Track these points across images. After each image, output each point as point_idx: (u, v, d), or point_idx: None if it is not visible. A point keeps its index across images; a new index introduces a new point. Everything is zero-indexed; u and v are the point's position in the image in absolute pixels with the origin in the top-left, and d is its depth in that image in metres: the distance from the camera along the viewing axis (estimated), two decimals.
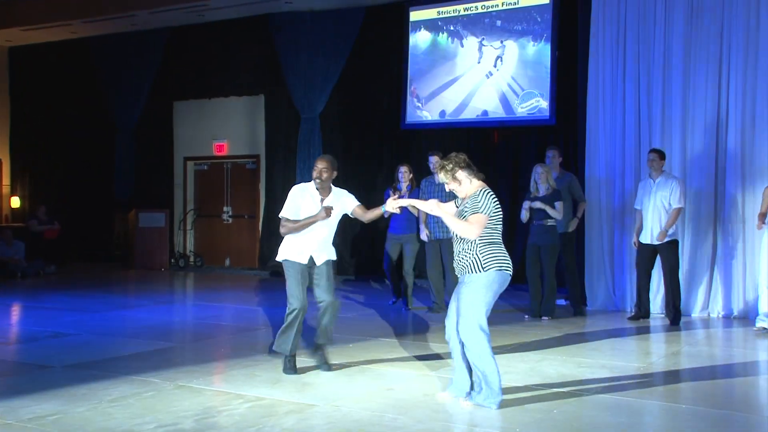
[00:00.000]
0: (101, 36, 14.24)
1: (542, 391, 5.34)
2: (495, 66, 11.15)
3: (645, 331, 7.90)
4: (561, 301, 8.97)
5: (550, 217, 8.35)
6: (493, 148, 11.51)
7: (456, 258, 5.07)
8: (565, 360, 6.35)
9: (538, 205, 8.29)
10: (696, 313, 8.69)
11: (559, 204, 8.31)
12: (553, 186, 8.36)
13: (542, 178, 8.37)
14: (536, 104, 10.79)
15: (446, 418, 4.69)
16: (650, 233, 8.15)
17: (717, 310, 8.65)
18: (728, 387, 5.82)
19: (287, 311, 5.80)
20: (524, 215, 8.44)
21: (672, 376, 5.98)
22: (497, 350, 6.69)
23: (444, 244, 8.66)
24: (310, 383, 5.54)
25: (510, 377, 5.70)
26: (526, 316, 8.53)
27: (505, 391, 5.29)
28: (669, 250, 8.13)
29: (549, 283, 8.42)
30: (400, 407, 4.92)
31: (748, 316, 8.34)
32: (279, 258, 5.92)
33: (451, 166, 5.08)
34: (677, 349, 7.04)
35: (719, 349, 7.09)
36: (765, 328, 7.60)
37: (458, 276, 5.08)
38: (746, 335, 7.62)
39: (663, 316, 8.53)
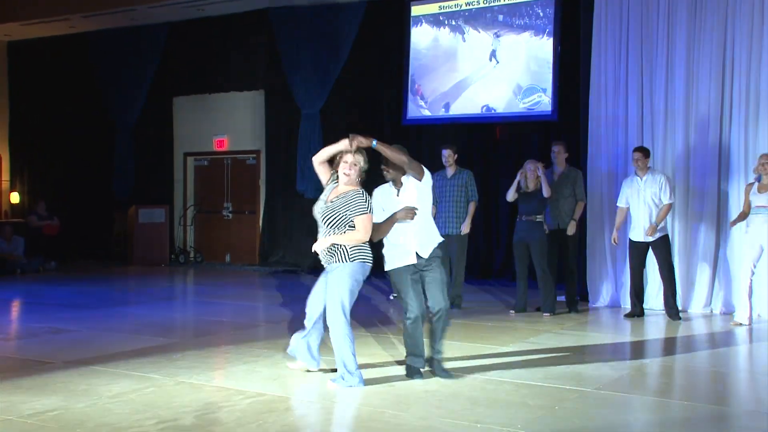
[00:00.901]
0: (100, 31, 14.21)
1: (545, 387, 5.32)
2: (497, 61, 11.11)
3: (646, 327, 7.87)
4: (561, 297, 8.93)
5: (539, 213, 8.35)
6: (495, 143, 11.49)
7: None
8: (566, 356, 6.33)
9: (541, 175, 8.29)
10: (698, 310, 8.67)
11: (546, 189, 8.33)
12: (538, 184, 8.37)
13: (533, 175, 8.36)
14: (538, 100, 10.75)
15: (447, 414, 4.66)
16: (642, 231, 8.15)
17: (719, 306, 8.62)
18: (730, 383, 5.80)
19: (405, 318, 5.48)
20: (511, 194, 8.46)
21: (674, 373, 5.96)
22: (500, 347, 6.68)
23: (452, 239, 8.62)
24: (310, 379, 5.51)
25: (512, 373, 5.68)
26: (512, 312, 8.52)
27: (508, 387, 5.28)
28: (661, 245, 8.15)
29: (544, 280, 8.38)
30: (401, 403, 4.90)
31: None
32: (386, 268, 5.53)
33: (364, 160, 5.49)
34: (679, 345, 7.02)
35: (720, 346, 7.06)
36: (741, 323, 7.74)
37: (325, 265, 5.37)
38: (747, 332, 7.59)
39: (664, 312, 8.50)
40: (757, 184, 7.75)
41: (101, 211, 14.77)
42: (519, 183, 8.46)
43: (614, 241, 8.53)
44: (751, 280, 7.74)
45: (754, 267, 7.73)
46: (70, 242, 14.50)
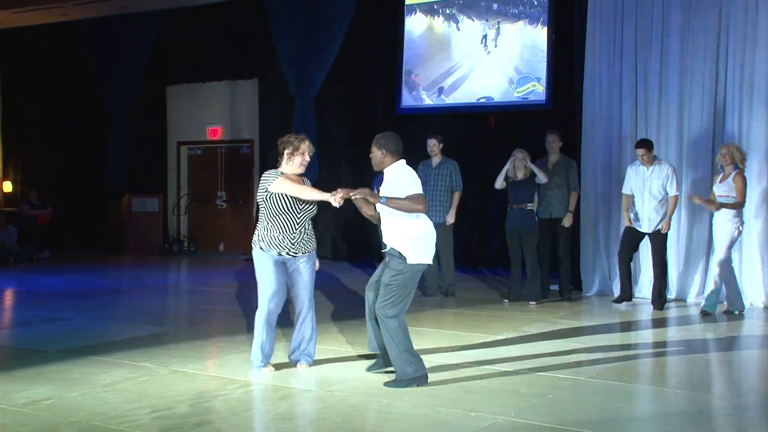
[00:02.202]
0: (93, 19, 14.11)
1: (538, 375, 5.34)
2: (491, 50, 11.09)
3: (639, 316, 7.90)
4: (554, 287, 8.96)
5: (530, 201, 8.37)
6: (490, 132, 11.49)
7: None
8: (560, 344, 6.35)
9: (531, 165, 8.35)
10: (691, 299, 8.70)
11: (542, 175, 8.36)
12: (529, 171, 8.38)
13: (521, 164, 8.37)
14: (532, 89, 10.75)
15: (442, 403, 4.68)
16: (646, 221, 8.15)
17: None
18: (720, 371, 5.83)
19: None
20: (499, 182, 8.49)
21: (666, 361, 5.99)
22: (494, 336, 6.70)
23: (439, 228, 8.62)
24: (304, 368, 5.52)
25: (505, 362, 5.70)
26: (506, 301, 8.55)
27: (501, 375, 5.29)
28: (659, 237, 8.17)
29: (531, 268, 8.42)
30: (394, 392, 4.90)
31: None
32: (416, 261, 4.99)
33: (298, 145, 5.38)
34: (672, 334, 7.05)
35: (711, 334, 7.09)
36: (732, 311, 7.82)
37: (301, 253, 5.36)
38: (739, 321, 7.64)
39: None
40: (721, 174, 7.80)
41: (95, 201, 14.73)
42: (507, 172, 8.48)
43: (627, 223, 8.42)
44: (732, 267, 7.78)
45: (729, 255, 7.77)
46: (63, 231, 14.47)
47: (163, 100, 14.45)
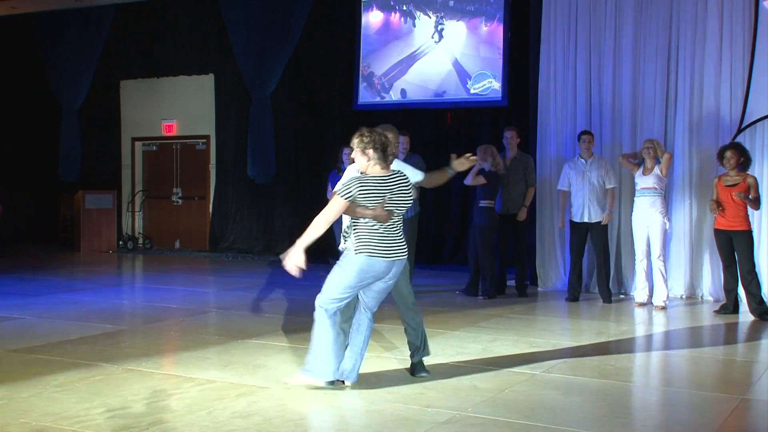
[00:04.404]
0: (45, 12, 13.84)
1: (494, 371, 5.38)
2: (448, 47, 11.14)
3: (592, 310, 8.02)
4: (511, 282, 9.04)
5: (483, 199, 8.40)
6: (446, 129, 11.54)
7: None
8: (516, 340, 6.41)
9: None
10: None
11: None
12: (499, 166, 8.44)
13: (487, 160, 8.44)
14: (489, 85, 10.83)
15: (399, 399, 4.69)
16: (587, 212, 8.33)
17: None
18: (676, 364, 5.94)
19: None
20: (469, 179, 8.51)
21: (621, 355, 6.08)
22: (450, 332, 6.73)
23: (407, 223, 8.63)
24: (261, 365, 5.49)
25: (462, 357, 5.74)
26: (457, 292, 8.67)
27: (458, 371, 5.33)
28: (601, 228, 8.36)
29: (483, 264, 8.49)
30: (352, 388, 4.90)
31: (694, 296, 8.66)
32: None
33: (368, 140, 4.86)
34: (626, 328, 7.16)
35: (664, 327, 7.23)
36: (643, 303, 8.02)
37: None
38: (691, 314, 7.80)
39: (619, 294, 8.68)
40: (642, 167, 8.00)
41: (47, 194, 14.46)
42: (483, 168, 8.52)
43: (562, 226, 8.72)
44: (650, 261, 7.95)
45: (649, 248, 7.95)
46: (14, 227, 14.16)
47: (117, 95, 14.23)
